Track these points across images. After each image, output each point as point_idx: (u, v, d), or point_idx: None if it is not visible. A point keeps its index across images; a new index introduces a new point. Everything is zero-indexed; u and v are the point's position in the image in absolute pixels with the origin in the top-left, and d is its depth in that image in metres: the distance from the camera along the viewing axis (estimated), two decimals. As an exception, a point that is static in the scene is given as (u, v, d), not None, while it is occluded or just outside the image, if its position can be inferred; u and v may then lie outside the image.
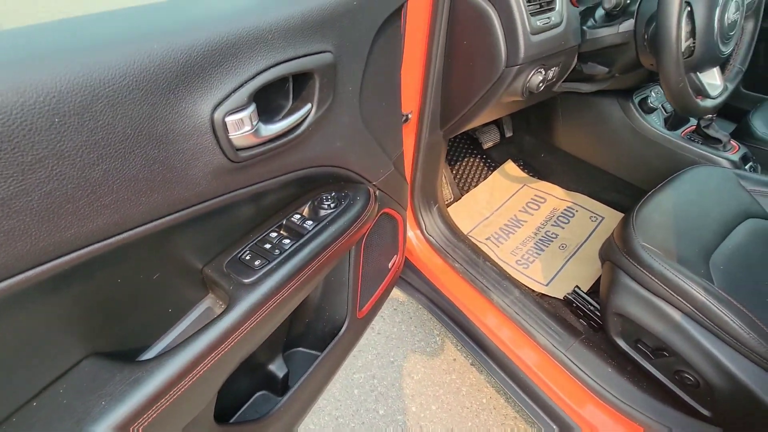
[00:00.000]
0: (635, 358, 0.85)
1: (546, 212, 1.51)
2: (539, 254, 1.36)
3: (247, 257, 0.52)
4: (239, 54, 0.40)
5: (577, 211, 1.50)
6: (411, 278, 1.29)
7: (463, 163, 1.71)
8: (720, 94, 0.89)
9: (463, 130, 1.08)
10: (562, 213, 1.50)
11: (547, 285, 1.26)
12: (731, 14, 0.80)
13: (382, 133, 0.67)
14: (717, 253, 0.82)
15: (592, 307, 1.10)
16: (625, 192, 1.47)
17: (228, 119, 0.40)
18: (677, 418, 0.81)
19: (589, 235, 1.41)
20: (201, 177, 0.42)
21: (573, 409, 0.91)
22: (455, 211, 1.52)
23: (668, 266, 0.74)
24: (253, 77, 0.41)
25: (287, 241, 0.54)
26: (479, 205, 1.55)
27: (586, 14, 0.93)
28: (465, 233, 1.43)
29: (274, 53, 0.42)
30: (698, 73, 0.85)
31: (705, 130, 1.21)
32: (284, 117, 0.46)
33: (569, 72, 1.02)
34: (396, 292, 1.49)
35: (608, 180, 1.50)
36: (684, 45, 0.77)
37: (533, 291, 1.21)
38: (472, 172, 1.69)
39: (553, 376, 0.95)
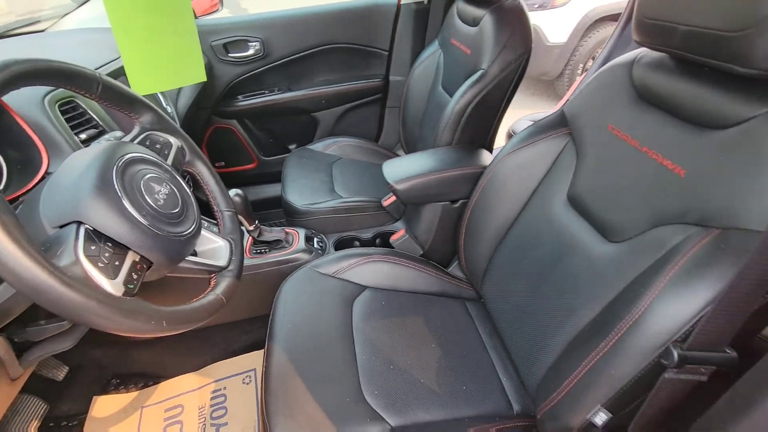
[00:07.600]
0: None
1: (194, 427, 1.06)
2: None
3: None
4: None
5: (225, 387, 1.13)
6: None
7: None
8: (229, 260, 0.67)
9: None
10: (212, 411, 1.09)
11: None
12: (157, 193, 0.52)
13: None
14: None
15: None
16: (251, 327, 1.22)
17: None
18: None
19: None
20: None
21: None
22: None
23: None
24: None
25: None
26: None
27: None
28: None
29: None
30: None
31: (261, 240, 1.08)
32: None
33: None
34: None
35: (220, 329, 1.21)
36: (123, 279, 0.46)
37: None
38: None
39: None
